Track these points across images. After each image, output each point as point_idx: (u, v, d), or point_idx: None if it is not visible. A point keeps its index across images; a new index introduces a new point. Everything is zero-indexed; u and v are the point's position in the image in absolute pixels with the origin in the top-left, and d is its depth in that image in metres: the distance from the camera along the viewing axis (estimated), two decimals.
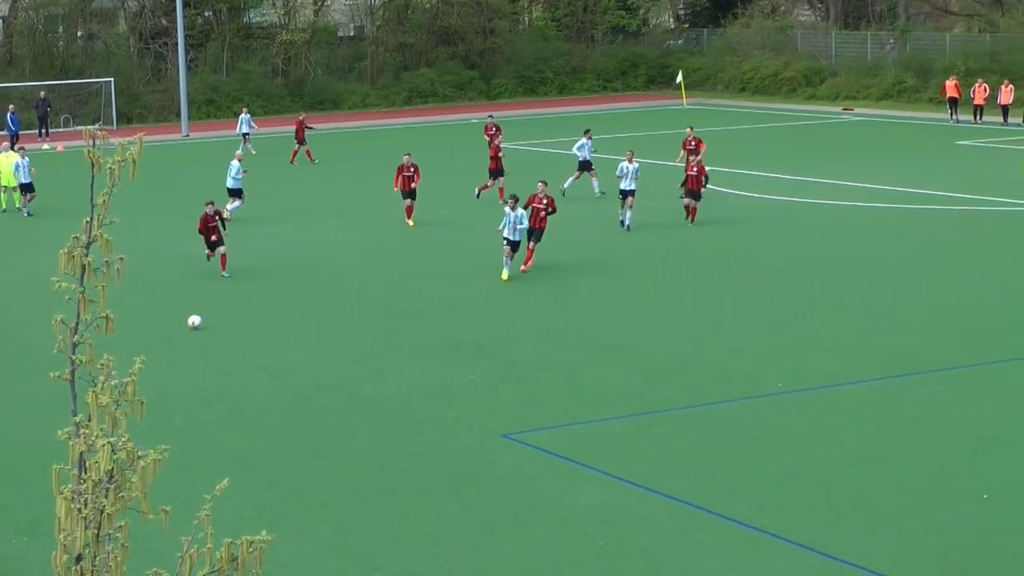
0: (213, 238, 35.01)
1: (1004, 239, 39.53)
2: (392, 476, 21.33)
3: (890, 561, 17.90)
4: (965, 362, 27.14)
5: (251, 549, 8.88)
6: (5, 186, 46.80)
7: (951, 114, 70.28)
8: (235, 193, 44.64)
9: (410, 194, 41.73)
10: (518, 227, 34.26)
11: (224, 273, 34.85)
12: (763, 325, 30.15)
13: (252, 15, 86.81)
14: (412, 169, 41.61)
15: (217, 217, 35.01)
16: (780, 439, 22.87)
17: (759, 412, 24.30)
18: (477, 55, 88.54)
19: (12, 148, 59.72)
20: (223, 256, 35.08)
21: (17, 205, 46.56)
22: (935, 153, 59.08)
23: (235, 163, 44.93)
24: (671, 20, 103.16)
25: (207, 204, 35.18)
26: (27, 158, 45.95)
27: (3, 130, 66.75)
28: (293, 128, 60.16)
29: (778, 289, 33.56)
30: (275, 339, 29.60)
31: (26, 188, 45.57)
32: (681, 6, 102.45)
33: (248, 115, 62.97)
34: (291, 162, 57.68)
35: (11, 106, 68.08)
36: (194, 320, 29.90)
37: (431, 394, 25.50)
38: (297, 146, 58.38)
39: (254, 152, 60.61)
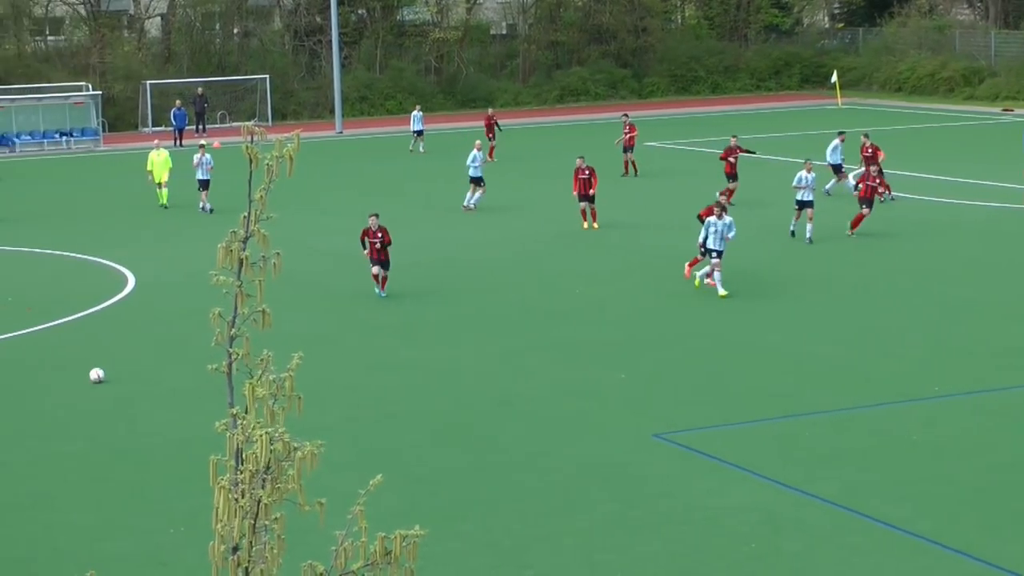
0: (378, 255, 32.70)
1: None
2: (542, 474, 21.29)
3: None
4: None
5: (404, 544, 8.88)
6: (159, 182, 47.36)
7: None
8: (476, 181, 45.13)
9: (587, 198, 40.84)
10: (728, 236, 32.35)
11: (382, 292, 32.89)
12: (920, 328, 29.64)
13: (405, 13, 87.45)
14: (587, 172, 40.72)
15: (380, 234, 32.48)
16: (937, 443, 22.46)
17: (916, 415, 23.87)
18: (629, 54, 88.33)
19: (177, 143, 60.51)
20: (384, 278, 32.88)
21: (163, 202, 47.11)
22: None
23: (475, 152, 45.36)
24: (826, 20, 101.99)
25: (371, 216, 32.83)
26: (208, 154, 46.04)
27: (158, 126, 67.98)
28: (482, 124, 60.16)
29: (935, 292, 32.99)
30: (427, 336, 29.73)
31: (204, 184, 45.69)
32: (836, 5, 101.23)
33: (420, 112, 63.04)
34: (489, 158, 56.14)
35: (177, 101, 69.28)
36: (97, 374, 26.48)
37: (582, 393, 25.42)
38: (491, 143, 57.87)
39: (423, 150, 60.86)
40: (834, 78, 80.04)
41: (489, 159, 55.50)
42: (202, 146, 46.99)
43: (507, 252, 38.77)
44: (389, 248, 32.61)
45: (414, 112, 63.35)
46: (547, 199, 46.76)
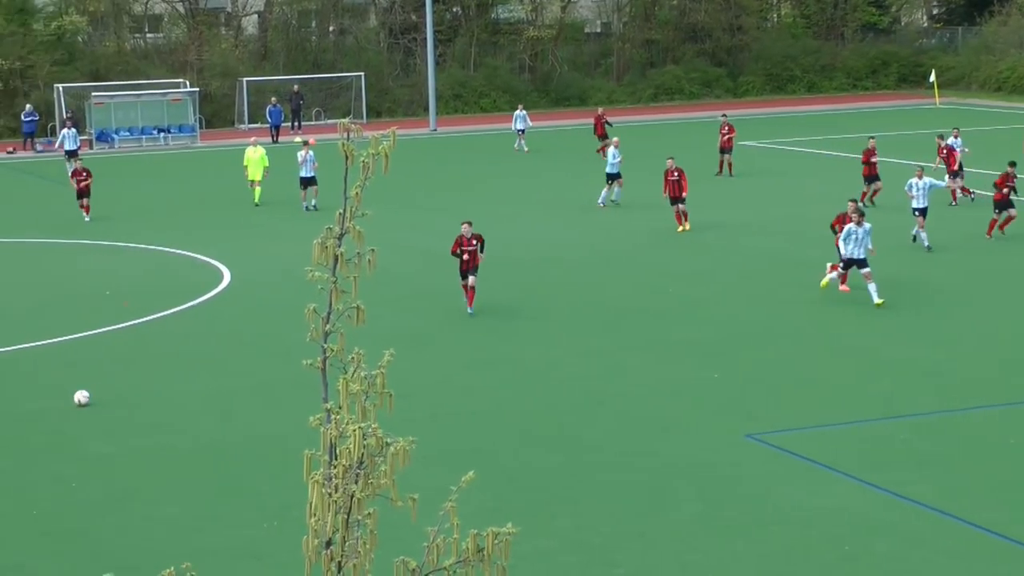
0: (468, 265, 30.88)
1: None
2: (633, 473, 21.25)
3: None
4: None
5: (496, 541, 8.90)
6: (252, 180, 47.56)
7: None
8: (613, 177, 45.19)
9: (678, 199, 40.56)
10: (867, 244, 31.26)
11: (469, 309, 31.02)
12: (1018, 333, 29.26)
13: (499, 11, 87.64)
14: (677, 173, 40.39)
15: (475, 242, 30.84)
16: None
17: (1014, 419, 23.57)
18: (724, 52, 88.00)
19: (273, 140, 60.88)
20: (472, 289, 30.89)
21: (255, 201, 47.32)
22: None
23: (614, 149, 45.48)
24: (924, 19, 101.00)
25: (464, 224, 31.18)
26: (312, 152, 45.78)
27: (254, 122, 68.56)
28: (591, 123, 60.07)
29: None
30: (520, 334, 29.75)
31: (308, 182, 45.50)
32: (935, 4, 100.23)
33: (524, 111, 62.90)
34: (600, 152, 55.72)
35: (273, 98, 69.87)
36: (81, 396, 25.09)
37: (675, 392, 25.34)
38: (601, 142, 57.53)
39: (527, 149, 60.82)
40: (932, 77, 79.21)
41: (602, 155, 55.35)
42: (306, 143, 46.93)
43: (602, 251, 38.71)
44: (483, 253, 30.98)
45: (517, 111, 63.04)
46: (642, 198, 46.62)
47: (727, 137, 52.04)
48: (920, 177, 37.58)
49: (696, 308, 31.70)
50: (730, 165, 52.05)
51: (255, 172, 47.46)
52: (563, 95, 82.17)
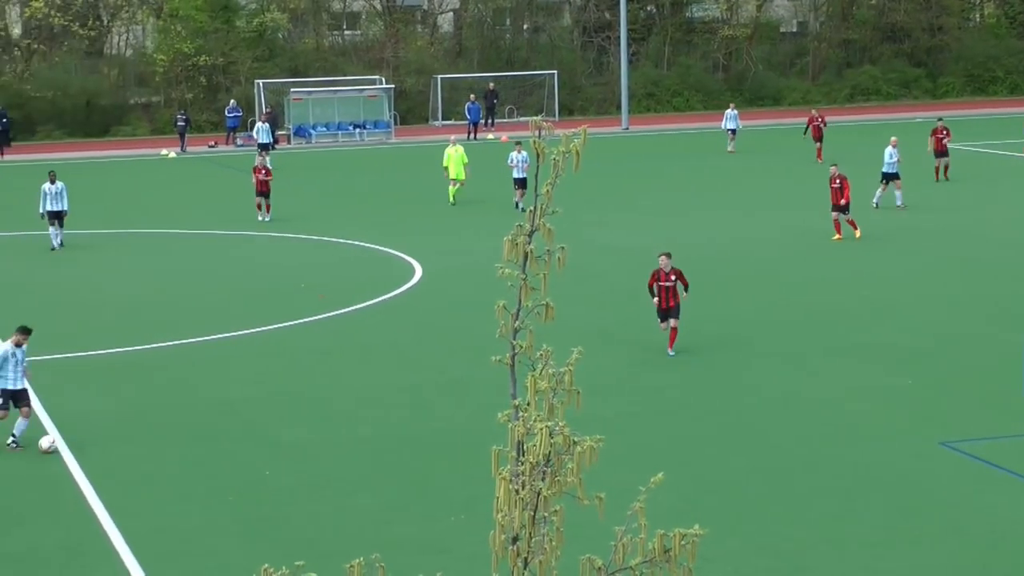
0: (667, 303, 27.61)
1: None
2: (823, 478, 20.99)
3: None
4: None
5: (683, 542, 8.87)
6: (453, 179, 47.69)
7: None
8: (890, 177, 44.42)
9: (839, 208, 39.34)
10: None
11: (670, 351, 27.82)
12: None
13: (694, 10, 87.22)
14: (839, 180, 39.20)
15: (673, 276, 27.61)
16: None
17: None
18: (923, 52, 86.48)
19: (471, 137, 61.18)
20: (673, 331, 27.77)
21: (452, 201, 47.42)
22: None
23: (891, 149, 44.40)
24: None
25: (661, 256, 27.80)
26: (525, 152, 45.29)
27: (447, 119, 69.14)
28: (805, 123, 59.11)
29: None
30: (710, 334, 29.51)
31: (521, 183, 44.94)
32: None
33: (735, 111, 62.12)
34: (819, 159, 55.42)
35: (472, 96, 70.46)
36: (45, 443, 22.91)
37: (866, 397, 24.96)
38: (816, 144, 56.82)
39: (731, 149, 60.31)
40: None
41: (819, 160, 54.69)
42: (519, 143, 46.48)
43: (794, 250, 38.30)
44: (687, 292, 27.74)
45: (728, 111, 62.18)
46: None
47: (943, 140, 50.77)
48: None
49: (891, 311, 31.19)
50: (946, 168, 50.80)
51: (457, 171, 47.45)
52: (757, 95, 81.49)
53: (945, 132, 50.97)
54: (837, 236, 39.27)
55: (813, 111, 59.41)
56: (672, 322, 27.49)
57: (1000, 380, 25.81)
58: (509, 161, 45.90)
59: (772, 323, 30.44)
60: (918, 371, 26.48)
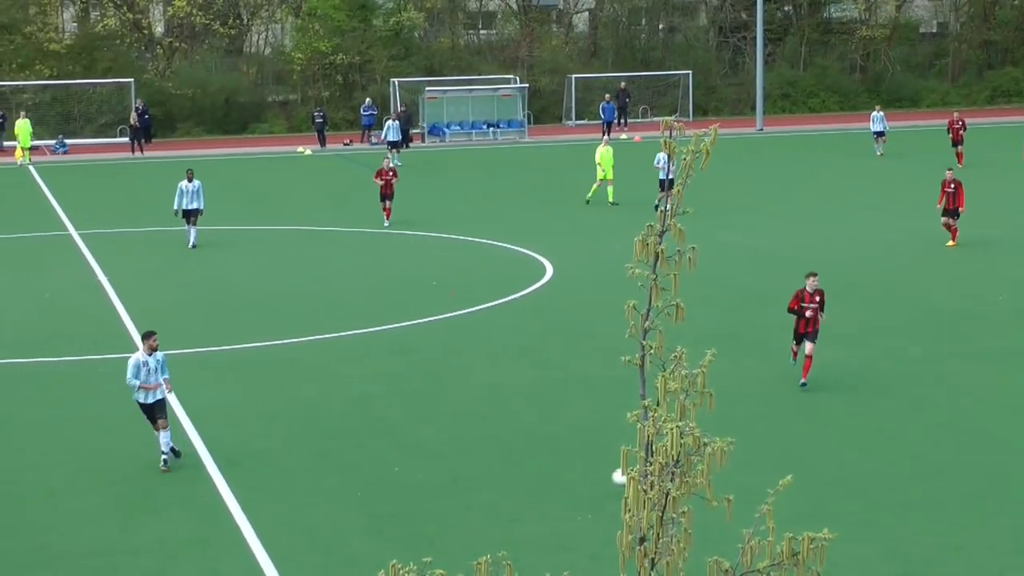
0: (807, 326, 25.52)
1: None
2: (955, 483, 20.70)
3: None
4: None
5: (812, 546, 8.82)
6: (603, 179, 47.33)
7: None
8: None
9: (951, 212, 38.49)
10: None
11: (803, 381, 25.53)
12: None
13: (832, 10, 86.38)
14: (954, 185, 38.28)
15: (818, 298, 25.43)
16: None
17: None
18: None
19: (606, 135, 61.13)
20: (808, 358, 25.44)
21: (611, 200, 46.98)
22: None
23: None
24: None
25: (809, 276, 25.60)
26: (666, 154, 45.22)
27: (581, 119, 69.12)
28: (945, 126, 58.04)
29: None
30: (836, 335, 29.17)
31: (668, 185, 44.67)
32: None
33: (882, 113, 60.74)
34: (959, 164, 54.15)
35: (606, 95, 70.45)
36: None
37: (1000, 402, 24.58)
38: (955, 148, 55.63)
39: (880, 153, 59.17)
40: None
41: (959, 165, 53.88)
42: (666, 144, 45.93)
43: (923, 253, 37.78)
44: (823, 313, 25.59)
45: (874, 112, 61.01)
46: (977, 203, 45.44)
47: (959, 132, 49.92)
48: None
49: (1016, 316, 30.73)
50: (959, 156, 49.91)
51: (607, 171, 47.11)
52: (895, 96, 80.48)
53: (961, 123, 50.13)
54: (951, 243, 38.59)
55: (954, 114, 58.35)
56: (808, 347, 25.27)
57: None
58: (656, 162, 45.59)
59: (904, 327, 30.06)
60: None
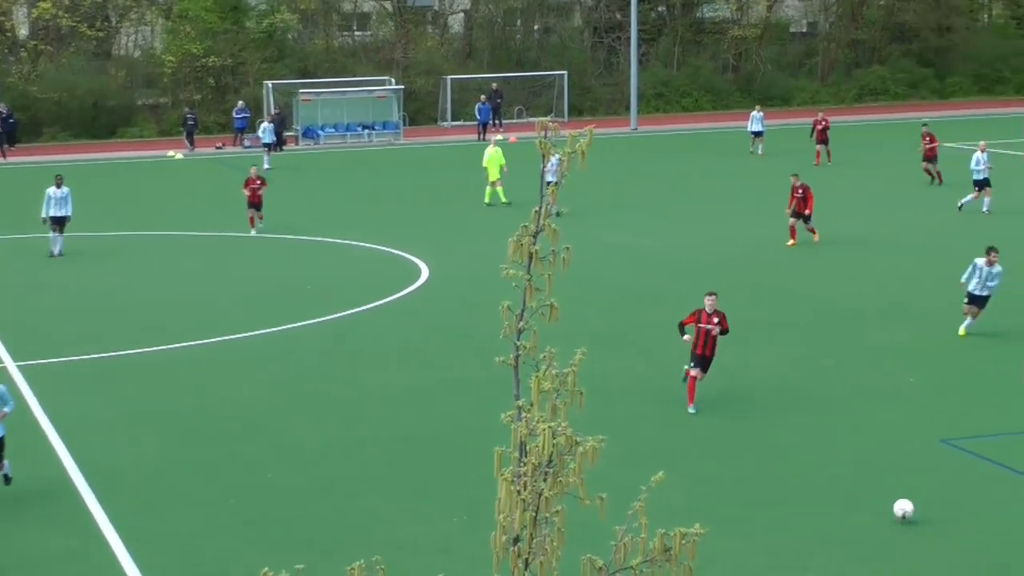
0: (703, 350, 24.23)
1: None
2: (827, 476, 21.04)
3: None
4: None
5: (684, 541, 8.90)
6: (492, 180, 47.13)
7: None
8: (982, 184, 43.96)
9: (800, 216, 38.88)
10: (988, 283, 28.72)
11: (691, 407, 24.31)
12: None
13: (705, 10, 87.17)
14: (802, 191, 38.91)
15: (716, 320, 24.21)
16: None
17: None
18: (932, 52, 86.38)
19: (480, 138, 60.84)
20: (694, 379, 24.32)
21: (503, 200, 46.85)
22: None
23: (979, 155, 44.11)
24: None
25: (708, 296, 24.48)
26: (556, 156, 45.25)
27: (457, 120, 69.08)
28: (810, 124, 58.35)
29: None
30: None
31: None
32: None
33: (761, 113, 61.10)
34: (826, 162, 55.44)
35: (482, 96, 70.44)
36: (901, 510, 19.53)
37: (871, 395, 24.99)
38: (818, 147, 56.32)
39: (761, 152, 59.66)
40: None
41: (817, 164, 54.53)
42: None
43: (802, 252, 38.30)
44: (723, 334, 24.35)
45: (754, 112, 61.45)
46: (845, 203, 46.08)
47: (929, 147, 50.43)
48: None
49: (898, 312, 31.21)
50: (939, 174, 50.32)
51: (494, 171, 47.05)
52: (766, 95, 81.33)
53: (931, 138, 50.35)
54: (792, 242, 38.85)
55: (819, 113, 59.12)
56: (700, 373, 24.26)
57: (1000, 377, 25.86)
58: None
59: (778, 324, 30.44)
60: (921, 370, 26.52)
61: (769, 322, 30.60)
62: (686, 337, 24.23)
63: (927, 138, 50.63)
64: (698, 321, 24.12)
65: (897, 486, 20.48)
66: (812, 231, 39.38)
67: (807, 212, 38.96)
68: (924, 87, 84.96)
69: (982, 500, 19.96)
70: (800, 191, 38.98)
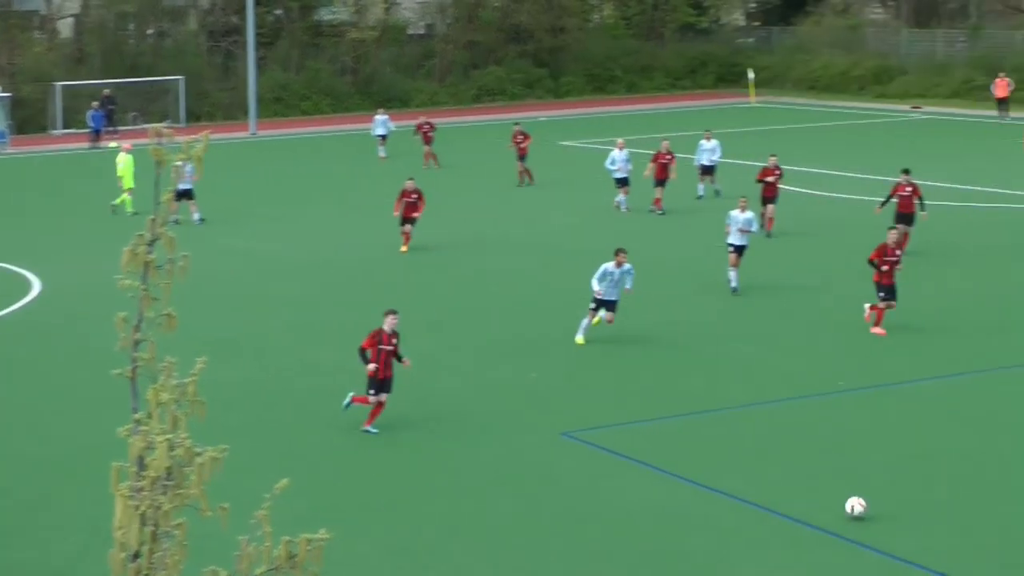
0: (388, 373, 23.27)
1: None
2: (451, 474, 21.40)
3: (947, 559, 17.83)
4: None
5: (309, 547, 8.98)
6: (128, 188, 45.08)
7: (1000, 112, 70.50)
8: (620, 183, 44.13)
9: (409, 220, 38.46)
10: (621, 284, 28.76)
11: (370, 427, 23.38)
12: (826, 324, 30.05)
13: (322, 13, 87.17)
14: (415, 195, 38.40)
15: (396, 340, 23.26)
16: (841, 437, 22.81)
17: (820, 410, 24.25)
18: (546, 53, 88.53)
19: (94, 145, 58.80)
20: (380, 406, 23.38)
21: (130, 211, 44.97)
22: (1001, 151, 58.59)
23: (615, 153, 44.07)
24: (742, 18, 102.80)
25: (389, 315, 23.44)
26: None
27: (69, 128, 67.19)
28: (415, 128, 57.71)
29: (842, 287, 33.32)
30: (322, 340, 29.45)
31: (186, 195, 41.13)
32: (752, 4, 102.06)
33: (386, 116, 60.58)
34: (430, 164, 55.20)
35: (94, 103, 68.66)
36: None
37: (492, 392, 25.53)
38: (426, 148, 56.05)
39: (384, 155, 59.01)
40: (751, 76, 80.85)
41: (428, 165, 54.70)
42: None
43: (422, 256, 38.70)
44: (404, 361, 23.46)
45: (377, 116, 60.60)
46: (470, 202, 46.81)
47: (521, 145, 50.93)
48: (743, 210, 33.30)
49: (519, 309, 31.95)
50: (529, 173, 50.70)
51: (127, 179, 44.98)
52: (386, 97, 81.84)
53: (523, 137, 50.76)
54: (404, 248, 38.45)
55: (420, 117, 59.19)
56: (384, 396, 23.23)
57: (617, 370, 26.83)
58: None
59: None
60: (542, 364, 27.22)
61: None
62: (371, 367, 22.87)
63: (519, 136, 51.01)
64: (379, 341, 22.97)
65: (520, 480, 21.02)
66: (407, 236, 38.56)
67: (416, 215, 38.55)
68: (540, 87, 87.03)
69: (602, 489, 20.63)
70: (413, 195, 38.32)
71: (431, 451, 22.50)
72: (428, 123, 57.32)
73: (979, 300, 32.21)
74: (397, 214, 38.73)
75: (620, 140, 45.90)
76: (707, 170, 45.81)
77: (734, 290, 32.72)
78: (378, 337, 23.09)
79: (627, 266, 28.73)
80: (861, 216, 42.00)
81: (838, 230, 40.74)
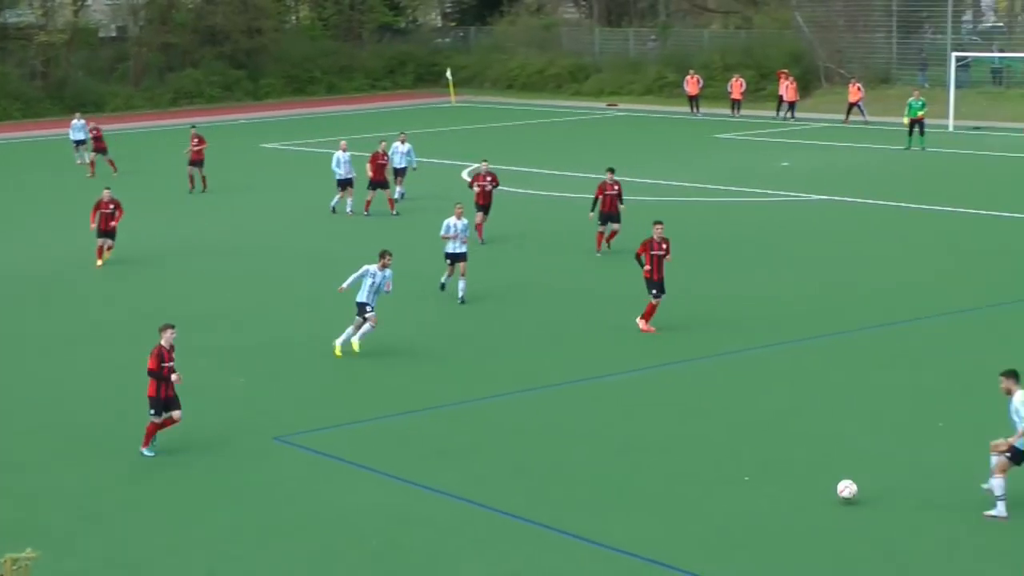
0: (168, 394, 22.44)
1: (757, 227, 40.64)
2: (162, 484, 21.03)
3: (657, 546, 18.26)
4: (721, 350, 27.81)
5: (15, 567, 8.76)
6: None
7: (692, 109, 72.91)
8: (343, 184, 43.82)
9: (108, 233, 37.03)
10: (384, 289, 27.92)
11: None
12: (532, 319, 30.49)
13: (8, 15, 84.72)
14: (112, 205, 36.97)
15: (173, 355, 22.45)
16: (552, 431, 23.14)
17: (531, 405, 24.57)
18: (244, 55, 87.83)
19: None
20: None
21: None
22: (694, 146, 60.47)
23: (339, 154, 43.80)
24: (438, 18, 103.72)
25: (165, 330, 22.51)
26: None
27: None
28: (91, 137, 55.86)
29: (551, 283, 33.84)
30: (27, 346, 28.90)
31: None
32: (448, 4, 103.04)
33: (82, 121, 58.30)
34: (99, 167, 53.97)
35: None
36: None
37: (201, 397, 25.18)
38: (95, 155, 54.55)
39: (80, 161, 56.98)
40: (448, 75, 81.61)
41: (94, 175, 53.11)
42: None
43: (111, 269, 37.99)
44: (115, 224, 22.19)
45: (74, 121, 58.53)
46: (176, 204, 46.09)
47: (196, 150, 49.80)
48: (459, 217, 32.20)
49: (223, 317, 31.62)
50: (204, 179, 49.80)
51: None
52: (79, 102, 79.88)
53: (199, 140, 49.94)
54: (99, 263, 37.18)
55: (90, 122, 57.27)
56: (177, 414, 22.43)
57: (327, 372, 26.78)
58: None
59: (80, 336, 30.14)
60: (249, 369, 27.00)
61: (74, 335, 30.23)
62: (160, 393, 22.16)
63: (195, 140, 50.06)
64: (160, 361, 22.12)
65: (235, 488, 20.78)
66: (108, 248, 37.39)
67: (113, 225, 37.13)
68: (238, 89, 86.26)
69: (317, 493, 20.52)
70: (110, 206, 37.01)
71: (139, 463, 22.04)
72: (97, 129, 55.43)
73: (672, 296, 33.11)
74: (94, 227, 37.39)
75: (343, 142, 45.81)
76: (400, 172, 45.95)
77: (461, 300, 32.06)
78: (159, 355, 22.15)
79: (389, 272, 27.79)
80: (566, 213, 42.82)
81: (546, 228, 41.34)
